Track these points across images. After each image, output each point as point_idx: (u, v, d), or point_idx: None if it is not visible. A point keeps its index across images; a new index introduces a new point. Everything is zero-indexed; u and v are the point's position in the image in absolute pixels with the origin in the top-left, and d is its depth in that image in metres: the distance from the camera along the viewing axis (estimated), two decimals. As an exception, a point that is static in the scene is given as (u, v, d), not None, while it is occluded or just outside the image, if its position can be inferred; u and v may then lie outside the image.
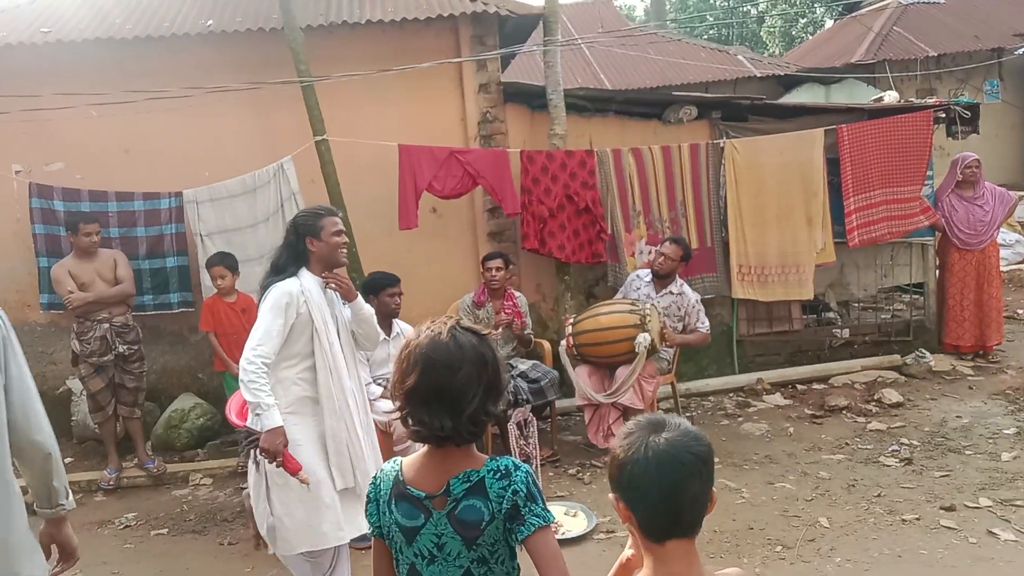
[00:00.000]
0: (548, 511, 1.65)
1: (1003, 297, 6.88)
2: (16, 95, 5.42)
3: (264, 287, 3.24)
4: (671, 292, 5.37)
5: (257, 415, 3.00)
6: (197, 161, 5.86)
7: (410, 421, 1.65)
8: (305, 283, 3.22)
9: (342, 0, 6.24)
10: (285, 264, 3.26)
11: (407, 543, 1.68)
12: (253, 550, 4.11)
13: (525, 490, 1.62)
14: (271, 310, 3.11)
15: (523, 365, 5.26)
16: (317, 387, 3.21)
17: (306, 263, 3.27)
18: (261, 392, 2.99)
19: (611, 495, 1.47)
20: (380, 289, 4.60)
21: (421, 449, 1.72)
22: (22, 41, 5.56)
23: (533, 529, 1.60)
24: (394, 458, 1.78)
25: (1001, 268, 7.00)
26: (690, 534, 1.44)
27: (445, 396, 1.61)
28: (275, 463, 2.98)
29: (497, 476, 1.63)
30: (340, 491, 3.19)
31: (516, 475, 1.63)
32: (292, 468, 3.01)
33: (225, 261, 5.30)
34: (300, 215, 3.41)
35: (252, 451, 3.07)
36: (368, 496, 1.76)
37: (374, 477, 1.77)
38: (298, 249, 3.27)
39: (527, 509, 1.61)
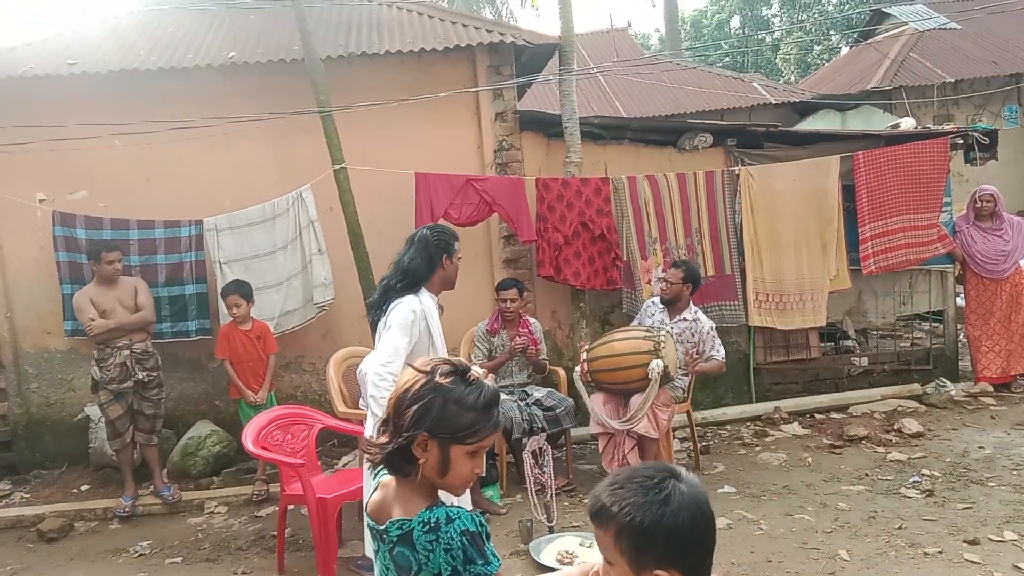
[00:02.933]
0: (491, 563, 1.58)
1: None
2: (42, 125, 5.54)
3: (387, 300, 3.30)
4: (684, 319, 5.31)
5: None
6: (218, 189, 5.95)
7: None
8: (424, 301, 3.31)
9: (361, 31, 6.36)
10: (421, 279, 3.35)
11: (376, 562, 1.72)
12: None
13: (463, 555, 1.56)
14: (399, 327, 3.18)
15: (538, 393, 5.25)
16: None
17: (427, 281, 3.37)
18: None
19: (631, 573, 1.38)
20: None
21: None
22: (48, 73, 5.69)
23: None
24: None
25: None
26: None
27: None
28: None
29: (425, 529, 1.57)
30: None
31: (444, 531, 1.55)
32: None
33: (240, 289, 5.36)
34: (437, 233, 3.47)
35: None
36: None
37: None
38: (432, 266, 3.36)
39: (467, 573, 1.56)
